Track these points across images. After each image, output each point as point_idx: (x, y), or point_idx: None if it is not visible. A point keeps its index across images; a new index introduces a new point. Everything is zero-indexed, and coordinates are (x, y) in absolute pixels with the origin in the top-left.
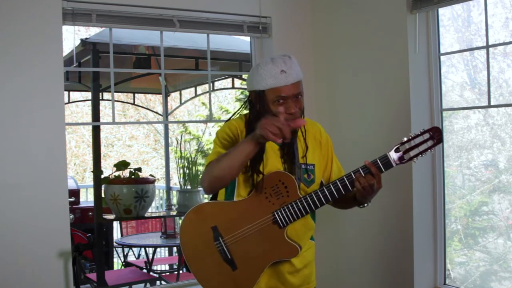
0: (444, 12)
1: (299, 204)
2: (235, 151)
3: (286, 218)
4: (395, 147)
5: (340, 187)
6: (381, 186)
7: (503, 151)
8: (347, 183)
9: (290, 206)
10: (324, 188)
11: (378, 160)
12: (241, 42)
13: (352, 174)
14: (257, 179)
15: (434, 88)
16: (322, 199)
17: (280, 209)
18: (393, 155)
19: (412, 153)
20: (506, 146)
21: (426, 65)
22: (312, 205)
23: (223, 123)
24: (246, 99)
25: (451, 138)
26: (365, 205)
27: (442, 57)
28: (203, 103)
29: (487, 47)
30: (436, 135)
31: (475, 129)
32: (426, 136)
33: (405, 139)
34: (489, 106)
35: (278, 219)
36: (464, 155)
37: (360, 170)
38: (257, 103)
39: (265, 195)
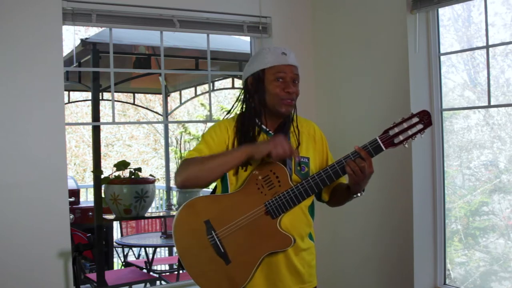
0: (444, 12)
1: (290, 193)
2: (225, 157)
3: (278, 208)
4: (384, 131)
5: (331, 173)
6: (372, 171)
7: (503, 151)
8: (338, 169)
9: (282, 196)
10: (316, 176)
11: (368, 145)
12: (241, 42)
13: (343, 160)
14: (244, 167)
15: (434, 88)
16: (314, 186)
17: (272, 199)
18: (383, 139)
19: (401, 136)
20: (506, 146)
21: (426, 65)
22: (304, 194)
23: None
24: (240, 93)
25: (451, 138)
26: (359, 194)
27: (442, 57)
28: (202, 104)
29: (487, 47)
30: (425, 118)
31: (475, 129)
32: (415, 119)
33: (394, 122)
34: (489, 106)
35: (271, 209)
36: (464, 155)
37: (351, 155)
38: (256, 85)
39: (256, 186)
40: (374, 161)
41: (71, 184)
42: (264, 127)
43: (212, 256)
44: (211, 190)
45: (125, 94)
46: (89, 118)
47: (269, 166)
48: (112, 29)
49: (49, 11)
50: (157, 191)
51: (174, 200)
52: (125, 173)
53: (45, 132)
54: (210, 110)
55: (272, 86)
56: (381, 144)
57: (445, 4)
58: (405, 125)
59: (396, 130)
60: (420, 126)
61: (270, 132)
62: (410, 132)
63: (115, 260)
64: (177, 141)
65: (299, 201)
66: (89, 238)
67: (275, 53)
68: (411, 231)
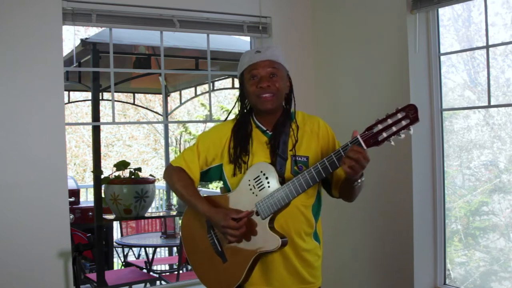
0: (444, 12)
1: (277, 194)
2: (195, 203)
3: (267, 209)
4: (367, 129)
5: (314, 174)
6: (368, 160)
7: (503, 151)
8: (320, 169)
9: (270, 196)
10: (300, 177)
11: (349, 144)
12: (241, 42)
13: (325, 160)
14: (240, 169)
15: (434, 88)
16: (298, 187)
17: (261, 200)
18: (365, 137)
19: (385, 133)
20: (506, 146)
21: (426, 65)
22: (290, 194)
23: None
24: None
25: (451, 138)
26: (359, 181)
27: (442, 57)
28: (202, 104)
29: (487, 47)
30: (411, 113)
31: (475, 129)
32: (401, 115)
33: (378, 119)
34: (489, 106)
35: (260, 210)
36: (464, 155)
37: (333, 155)
38: (241, 88)
39: (249, 187)
40: (375, 161)
41: (71, 184)
42: (261, 126)
43: (212, 254)
44: (214, 190)
45: (125, 94)
46: (89, 118)
47: (259, 167)
48: (112, 29)
49: (49, 11)
50: (157, 191)
51: (174, 200)
52: (125, 173)
53: (45, 132)
54: (210, 110)
55: (249, 85)
56: (362, 143)
57: (445, 4)
58: (389, 121)
59: (380, 127)
60: (406, 122)
61: (268, 131)
62: (394, 129)
63: (115, 260)
64: (177, 141)
65: (285, 202)
66: (89, 238)
67: (250, 54)
68: (411, 231)
